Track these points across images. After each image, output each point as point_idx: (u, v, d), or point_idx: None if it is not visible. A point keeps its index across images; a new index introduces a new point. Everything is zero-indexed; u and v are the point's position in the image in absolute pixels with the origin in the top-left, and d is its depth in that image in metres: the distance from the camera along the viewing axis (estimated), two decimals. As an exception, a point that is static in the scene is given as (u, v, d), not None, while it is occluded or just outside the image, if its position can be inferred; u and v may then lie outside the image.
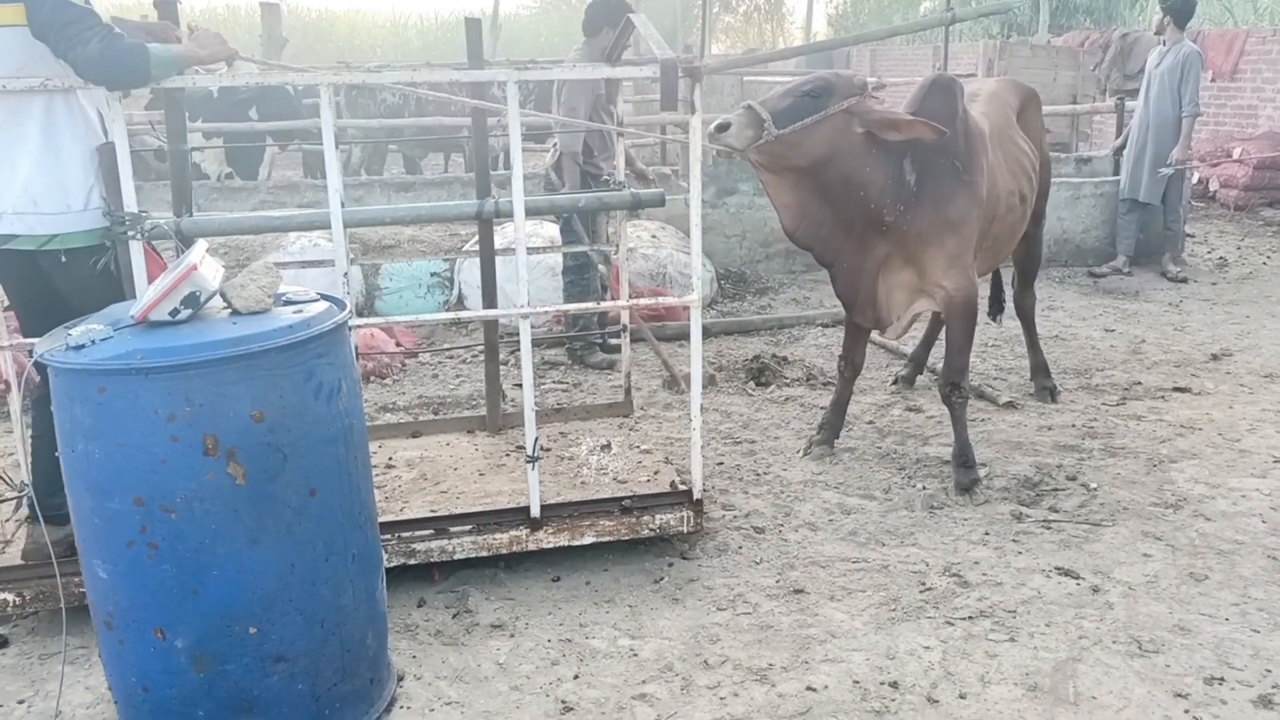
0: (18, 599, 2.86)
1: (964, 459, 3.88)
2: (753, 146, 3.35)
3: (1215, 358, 5.46)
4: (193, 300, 2.22)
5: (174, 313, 2.21)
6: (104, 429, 2.11)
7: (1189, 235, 8.29)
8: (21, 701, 2.66)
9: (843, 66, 17.03)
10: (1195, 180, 9.57)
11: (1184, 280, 7.22)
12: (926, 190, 3.62)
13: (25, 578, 2.88)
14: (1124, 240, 7.55)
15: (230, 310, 2.30)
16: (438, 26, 36.95)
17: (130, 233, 2.70)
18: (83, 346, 2.12)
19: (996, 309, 5.06)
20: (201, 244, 2.36)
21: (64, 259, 2.75)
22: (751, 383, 5.19)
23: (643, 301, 3.80)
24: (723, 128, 3.35)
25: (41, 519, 2.69)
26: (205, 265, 2.26)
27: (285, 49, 15.56)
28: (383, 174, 9.99)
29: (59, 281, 2.78)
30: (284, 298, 2.38)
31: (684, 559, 3.35)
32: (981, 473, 3.90)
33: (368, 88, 9.31)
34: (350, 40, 32.19)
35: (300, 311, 2.30)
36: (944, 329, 4.01)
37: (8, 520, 3.24)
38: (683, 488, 3.35)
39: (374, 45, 32.38)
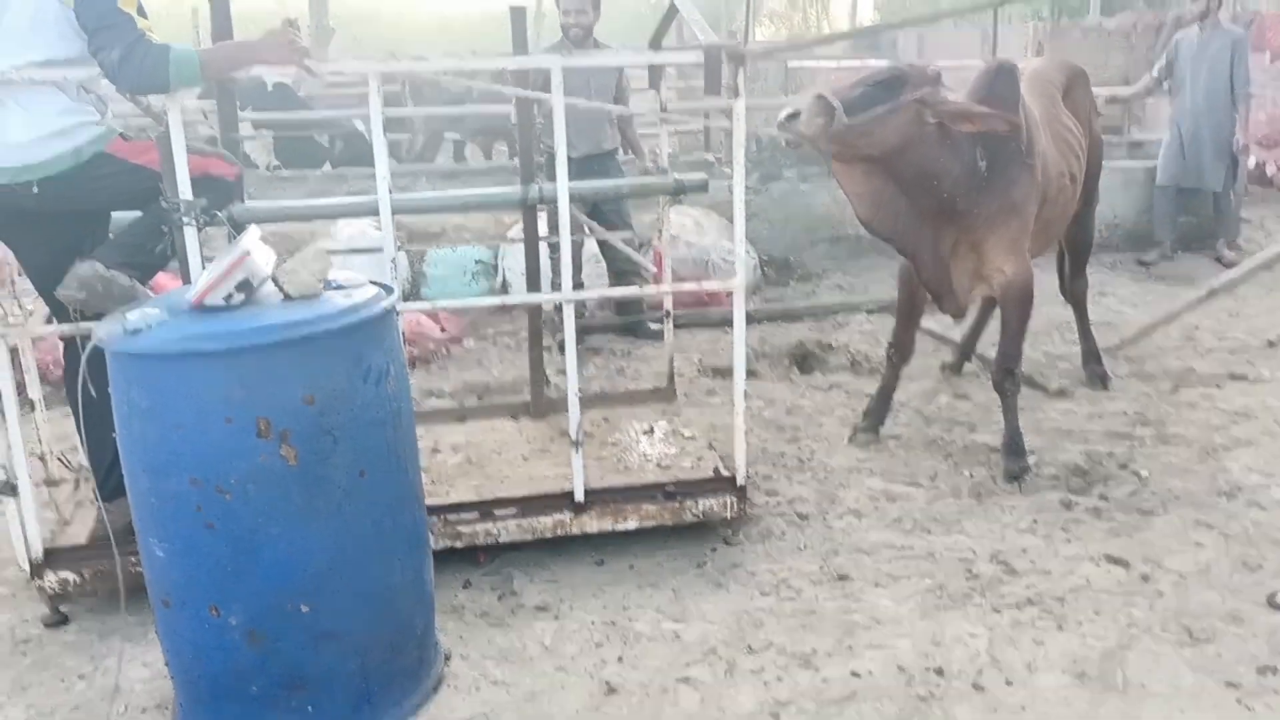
0: (78, 578, 2.93)
1: (1014, 446, 3.84)
2: (823, 135, 3.32)
3: (1271, 344, 5.35)
4: (246, 286, 2.26)
5: (228, 298, 2.25)
6: (160, 411, 2.17)
7: (1245, 220, 8.11)
8: (81, 677, 2.74)
9: (889, 51, 16.85)
10: (1252, 164, 9.35)
11: (1235, 264, 7.05)
12: (995, 175, 3.59)
13: (85, 557, 2.96)
14: (1164, 227, 7.35)
15: (282, 295, 2.34)
16: (482, 19, 37.14)
17: (186, 219, 2.75)
18: (139, 331, 2.17)
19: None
20: (254, 230, 2.40)
21: (36, 189, 2.78)
22: (795, 369, 5.17)
23: (686, 286, 3.81)
24: (793, 116, 3.32)
25: (100, 499, 2.76)
26: (258, 251, 2.30)
27: (332, 39, 15.72)
28: (435, 161, 10.06)
29: (39, 211, 2.84)
30: (334, 283, 2.42)
31: (727, 544, 3.35)
32: (1031, 460, 3.86)
33: (422, 78, 9.39)
34: (396, 31, 32.42)
35: (350, 296, 2.34)
36: (995, 314, 3.97)
37: (66, 501, 3.33)
38: (726, 474, 3.36)
39: (420, 37, 32.59)
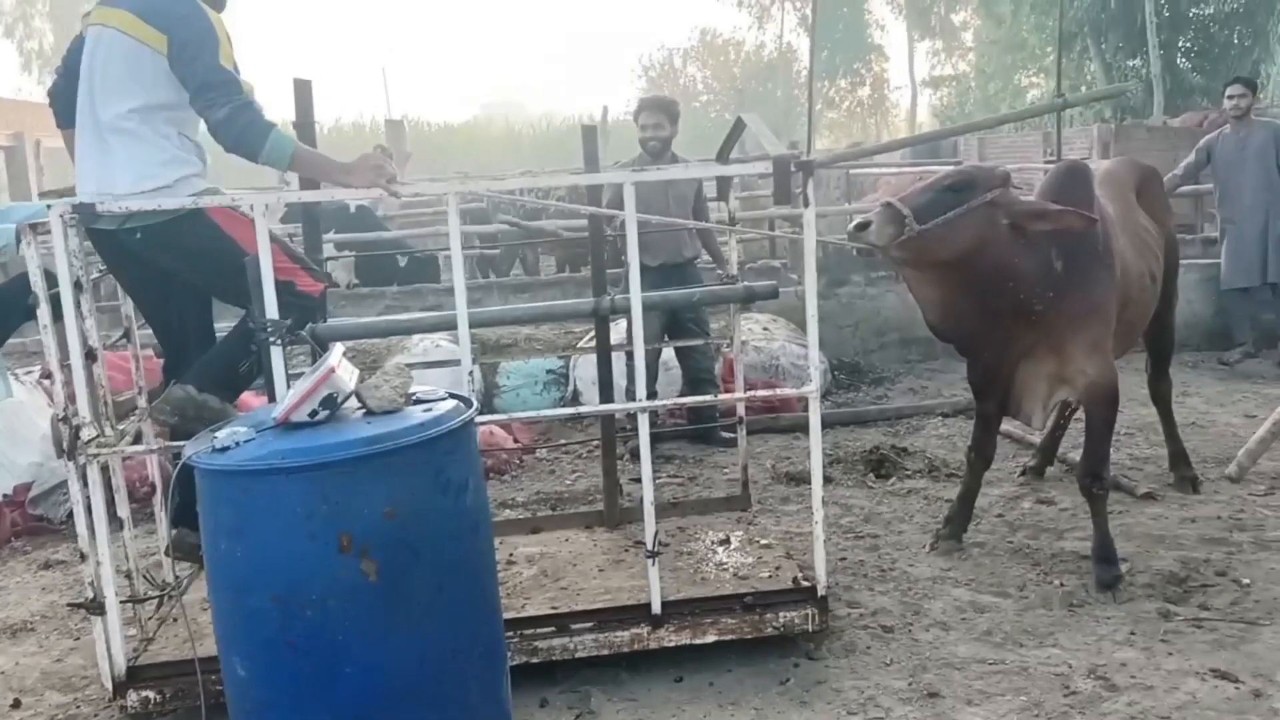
0: (159, 696, 2.95)
1: (1105, 554, 3.70)
2: (894, 243, 3.33)
3: (1372, 443, 5.13)
4: (330, 401, 2.31)
5: (313, 414, 2.30)
6: (246, 527, 2.19)
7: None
8: (161, 797, 2.73)
9: (949, 157, 16.97)
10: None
11: None
12: (1073, 276, 3.55)
13: (166, 675, 2.97)
14: (1242, 327, 7.13)
15: (365, 410, 2.38)
16: (549, 133, 38.45)
17: (273, 339, 2.84)
18: (227, 449, 2.22)
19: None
20: (339, 347, 2.46)
21: (139, 235, 2.93)
22: (871, 475, 5.08)
23: (760, 393, 3.79)
24: (863, 226, 3.34)
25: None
26: (342, 368, 2.35)
27: (409, 162, 16.36)
28: (509, 274, 10.33)
29: (146, 260, 3.01)
30: (414, 396, 2.46)
31: (810, 659, 3.25)
32: (1123, 568, 3.71)
33: (500, 196, 9.80)
34: (468, 151, 33.69)
35: (430, 410, 2.37)
36: (1077, 417, 3.87)
37: (150, 619, 3.36)
38: (806, 584, 3.28)
39: (491, 155, 33.80)
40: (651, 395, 5.54)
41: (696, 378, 5.73)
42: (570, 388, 6.43)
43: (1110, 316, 3.66)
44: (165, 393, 2.88)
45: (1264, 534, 4.04)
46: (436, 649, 2.29)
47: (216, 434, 2.29)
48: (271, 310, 2.82)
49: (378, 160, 2.95)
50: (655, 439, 5.56)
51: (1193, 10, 16.25)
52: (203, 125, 2.99)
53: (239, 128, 2.80)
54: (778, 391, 4.41)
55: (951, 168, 3.62)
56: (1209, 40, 16.51)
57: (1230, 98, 6.97)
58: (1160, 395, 4.77)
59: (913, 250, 3.37)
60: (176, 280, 3.15)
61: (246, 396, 4.78)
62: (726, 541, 3.78)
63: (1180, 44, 16.48)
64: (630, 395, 4.70)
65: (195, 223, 2.93)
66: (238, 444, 2.23)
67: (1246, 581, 3.62)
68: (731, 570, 3.51)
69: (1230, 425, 5.60)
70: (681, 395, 5.86)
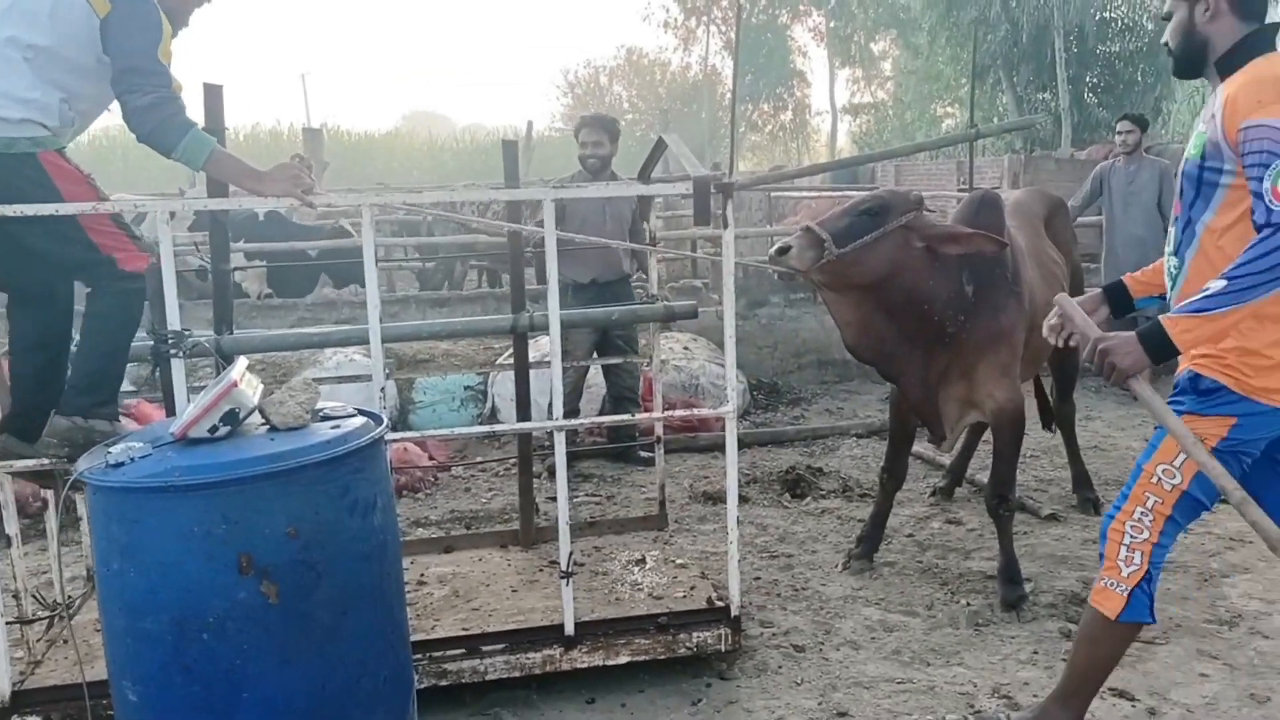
0: (45, 722, 2.81)
1: (1010, 574, 3.77)
2: (815, 267, 3.37)
3: (1262, 467, 5.34)
4: (232, 417, 2.23)
5: (213, 429, 2.22)
6: (140, 547, 2.11)
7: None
8: (43, 830, 2.59)
9: (868, 182, 17.33)
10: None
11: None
12: (983, 301, 3.63)
13: (54, 699, 2.84)
14: None
15: (268, 426, 2.31)
16: (473, 149, 38.21)
17: (174, 351, 2.74)
18: (121, 464, 2.13)
19: (1047, 418, 4.98)
20: (242, 361, 2.40)
21: None
22: (787, 494, 5.12)
23: (678, 413, 3.79)
24: (783, 250, 3.38)
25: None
26: (245, 382, 2.28)
27: (326, 172, 16.08)
28: (463, 289, 10.21)
29: None
30: (322, 413, 2.40)
31: (722, 679, 3.25)
32: (1027, 588, 3.79)
33: (420, 208, 9.63)
34: (388, 163, 33.28)
35: (338, 427, 2.31)
36: (984, 440, 3.95)
37: (39, 640, 3.21)
38: (720, 604, 3.28)
39: (411, 168, 33.44)
40: (577, 412, 5.52)
41: (620, 395, 5.72)
42: (488, 404, 6.36)
43: (1018, 342, 3.75)
44: (49, 425, 2.77)
45: (1161, 555, 4.17)
46: (340, 674, 2.23)
47: (111, 449, 2.20)
48: (174, 320, 2.73)
49: (295, 169, 2.87)
50: (574, 457, 5.56)
51: (1100, 47, 16.87)
52: (115, 110, 2.84)
53: (158, 119, 2.71)
54: (695, 411, 4.42)
55: (868, 193, 3.68)
56: (1114, 77, 17.16)
57: (1120, 134, 7.24)
58: (1064, 419, 4.91)
59: (832, 273, 3.41)
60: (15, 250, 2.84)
61: (147, 409, 4.63)
62: (642, 561, 3.77)
63: (1088, 79, 17.11)
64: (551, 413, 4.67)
65: (25, 166, 2.71)
66: (132, 460, 2.15)
67: (1144, 601, 3.72)
68: (646, 590, 3.49)
69: (1130, 449, 5.78)
70: (604, 413, 5.84)
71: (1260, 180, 2.21)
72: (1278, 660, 3.28)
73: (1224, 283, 2.22)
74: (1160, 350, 2.30)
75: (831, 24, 32.47)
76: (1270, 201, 2.19)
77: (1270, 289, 2.19)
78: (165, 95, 2.72)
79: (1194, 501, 2.49)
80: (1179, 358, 2.42)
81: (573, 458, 5.59)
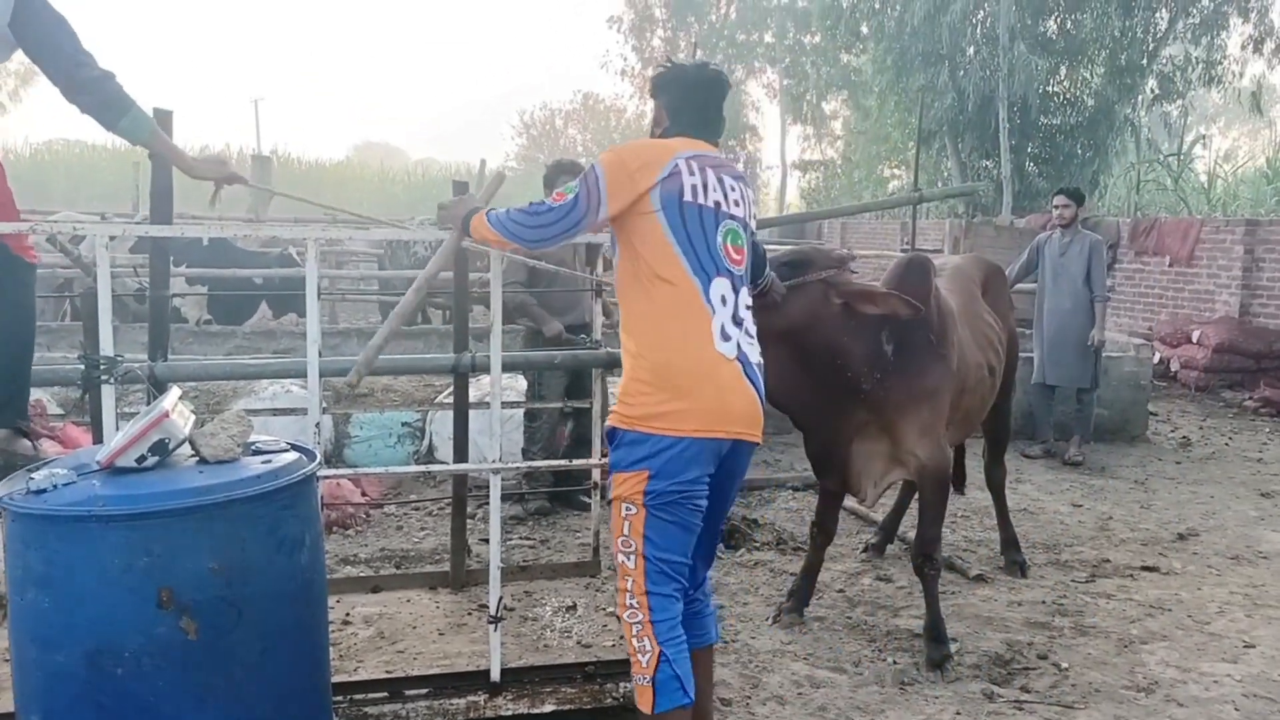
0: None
1: (936, 633, 3.82)
2: None
3: (1182, 537, 5.48)
4: (161, 447, 2.20)
5: (141, 459, 2.18)
6: (57, 578, 2.06)
7: (1152, 414, 8.45)
8: None
9: (815, 238, 17.63)
10: (1156, 360, 9.80)
11: (1079, 463, 7.16)
12: (904, 361, 3.68)
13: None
14: (1043, 424, 7.50)
15: (198, 459, 2.28)
16: (424, 183, 38.12)
17: (104, 377, 2.69)
18: (44, 491, 2.08)
19: (959, 481, 5.07)
20: (175, 391, 2.36)
21: None
22: (721, 545, 5.13)
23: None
24: None
25: None
26: (177, 412, 2.25)
27: (274, 201, 15.91)
28: (431, 323, 10.09)
29: None
30: (254, 446, 2.37)
31: (647, 731, 3.23)
32: (953, 648, 3.84)
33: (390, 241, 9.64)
34: (338, 193, 33.03)
35: (269, 462, 2.29)
36: (915, 498, 4.00)
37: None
38: (648, 655, 3.26)
39: (361, 199, 33.24)
40: (552, 454, 5.50)
41: (580, 438, 5.70)
42: (425, 442, 6.30)
43: (942, 404, 3.81)
44: None
45: (1084, 620, 4.25)
46: (257, 715, 2.19)
47: (34, 474, 2.15)
48: (107, 345, 2.69)
49: (222, 159, 2.99)
50: (520, 498, 5.53)
51: (1042, 120, 17.39)
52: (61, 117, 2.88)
53: (108, 93, 2.85)
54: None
55: (793, 247, 3.74)
56: (1055, 149, 17.68)
57: (1055, 207, 7.47)
58: (994, 482, 5.00)
59: None
60: None
61: (74, 433, 4.52)
62: (573, 608, 3.75)
63: (1029, 150, 17.59)
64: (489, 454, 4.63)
65: None
66: (55, 487, 2.10)
67: (1065, 666, 3.79)
68: (575, 638, 3.47)
69: (1059, 512, 5.91)
70: (563, 456, 5.81)
71: None
72: (1191, 728, 3.35)
73: None
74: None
75: (785, 81, 33.08)
76: None
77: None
78: (109, 73, 2.82)
79: (657, 563, 2.53)
80: None
81: (520, 498, 5.57)
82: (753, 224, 2.80)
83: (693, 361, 2.53)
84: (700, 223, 2.59)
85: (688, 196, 2.58)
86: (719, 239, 2.62)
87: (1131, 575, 4.84)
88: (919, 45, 16.97)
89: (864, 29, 19.26)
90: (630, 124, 43.08)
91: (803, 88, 30.77)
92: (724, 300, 2.60)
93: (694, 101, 2.77)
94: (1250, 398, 9.49)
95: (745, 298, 2.70)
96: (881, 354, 3.65)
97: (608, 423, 2.63)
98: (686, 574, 2.63)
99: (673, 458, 2.50)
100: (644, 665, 2.51)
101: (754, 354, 2.68)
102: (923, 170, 15.74)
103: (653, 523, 2.52)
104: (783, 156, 36.40)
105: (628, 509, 2.54)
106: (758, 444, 2.74)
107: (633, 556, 2.53)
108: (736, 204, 2.71)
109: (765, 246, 3.31)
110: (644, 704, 2.51)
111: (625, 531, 2.54)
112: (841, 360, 3.59)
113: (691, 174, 2.61)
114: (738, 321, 2.64)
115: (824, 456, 3.83)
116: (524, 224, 2.60)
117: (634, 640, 2.54)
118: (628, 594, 2.55)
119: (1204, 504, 6.21)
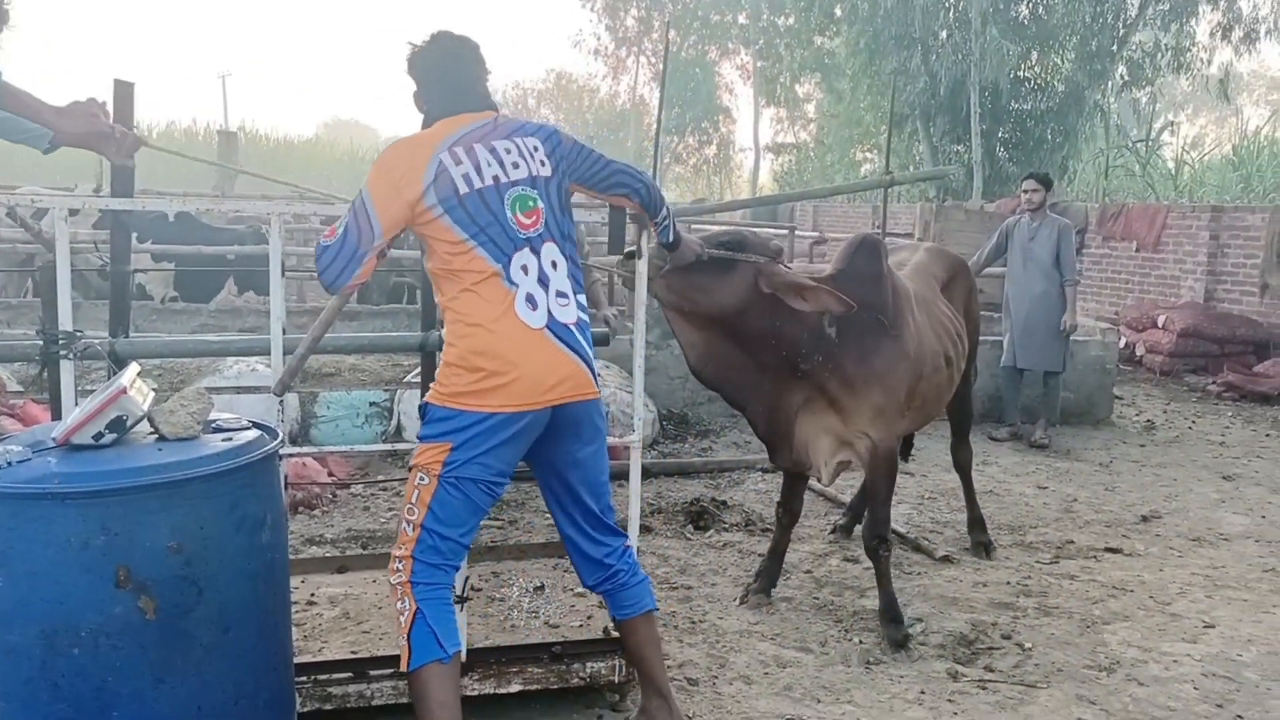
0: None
1: (892, 614, 3.84)
2: (658, 277, 3.34)
3: (1145, 519, 5.55)
4: (119, 424, 2.16)
5: (98, 436, 2.14)
6: (11, 555, 2.02)
7: (1117, 398, 8.54)
8: None
9: (787, 220, 17.63)
10: (1122, 344, 9.90)
11: (1045, 446, 7.24)
12: (850, 342, 3.65)
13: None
14: (1010, 406, 7.54)
15: (157, 436, 2.24)
16: (395, 161, 37.71)
17: (63, 352, 2.64)
18: (-3, 468, 2.04)
19: (905, 448, 5.04)
20: (134, 367, 2.32)
21: None
22: (690, 526, 5.14)
23: (583, 441, 3.77)
24: (630, 254, 3.28)
25: None
26: (135, 388, 2.21)
27: (240, 177, 15.71)
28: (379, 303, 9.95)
29: None
30: (214, 424, 2.33)
31: (614, 710, 3.24)
32: (916, 628, 3.86)
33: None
34: (307, 170, 32.68)
35: (230, 440, 2.25)
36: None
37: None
38: (615, 635, 3.26)
39: (330, 176, 32.89)
40: None
41: None
42: (394, 422, 6.25)
43: (897, 387, 3.77)
44: None
45: (1047, 600, 4.30)
46: (217, 695, 2.16)
47: (-14, 452, 2.11)
48: (65, 320, 2.63)
49: (92, 109, 2.74)
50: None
51: (1013, 105, 17.48)
52: None
53: None
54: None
55: (729, 228, 3.69)
56: (1025, 134, 17.79)
57: (1025, 191, 7.50)
58: (960, 461, 5.03)
59: (674, 292, 3.40)
60: None
61: (34, 410, 4.46)
62: (540, 588, 3.74)
63: (1000, 134, 17.69)
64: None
65: None
66: (9, 464, 2.06)
67: (1029, 646, 3.83)
68: (543, 618, 3.46)
69: (1024, 495, 5.96)
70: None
71: None
72: (1151, 708, 3.40)
73: None
74: None
75: (759, 64, 33.05)
76: None
77: None
78: None
79: (433, 536, 2.54)
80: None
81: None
82: (545, 168, 2.68)
83: (499, 342, 2.51)
84: (486, 207, 2.55)
85: (463, 189, 2.54)
86: (508, 213, 2.57)
87: (1095, 556, 4.90)
88: (892, 28, 17.00)
89: (837, 11, 19.27)
90: (603, 104, 42.89)
91: (776, 70, 30.73)
92: (525, 270, 2.56)
93: (441, 78, 2.70)
94: (1214, 382, 9.61)
95: (550, 253, 2.63)
96: (823, 336, 3.60)
97: (425, 399, 2.62)
98: (460, 556, 2.64)
99: (478, 433, 2.50)
100: (402, 624, 2.52)
101: (567, 314, 2.63)
102: (894, 154, 15.77)
103: (441, 496, 2.52)
104: (756, 139, 36.40)
105: (421, 478, 2.54)
106: (596, 398, 2.70)
107: (412, 526, 2.54)
108: (515, 165, 2.62)
109: (743, 229, 3.27)
110: (403, 662, 2.51)
111: (413, 500, 2.54)
112: (776, 342, 3.55)
113: (459, 162, 2.55)
114: (543, 282, 2.60)
115: (768, 436, 3.81)
116: (319, 271, 2.54)
117: (397, 603, 2.55)
118: (397, 559, 2.55)
119: (1167, 487, 6.29)
